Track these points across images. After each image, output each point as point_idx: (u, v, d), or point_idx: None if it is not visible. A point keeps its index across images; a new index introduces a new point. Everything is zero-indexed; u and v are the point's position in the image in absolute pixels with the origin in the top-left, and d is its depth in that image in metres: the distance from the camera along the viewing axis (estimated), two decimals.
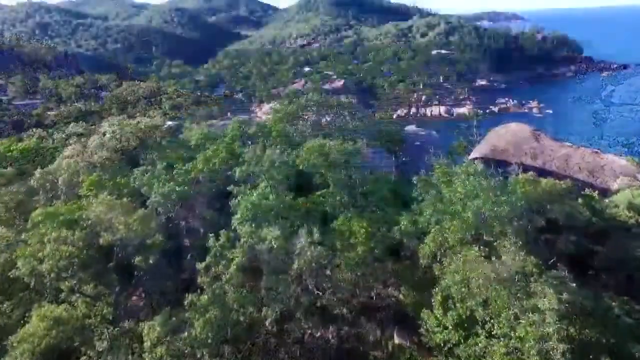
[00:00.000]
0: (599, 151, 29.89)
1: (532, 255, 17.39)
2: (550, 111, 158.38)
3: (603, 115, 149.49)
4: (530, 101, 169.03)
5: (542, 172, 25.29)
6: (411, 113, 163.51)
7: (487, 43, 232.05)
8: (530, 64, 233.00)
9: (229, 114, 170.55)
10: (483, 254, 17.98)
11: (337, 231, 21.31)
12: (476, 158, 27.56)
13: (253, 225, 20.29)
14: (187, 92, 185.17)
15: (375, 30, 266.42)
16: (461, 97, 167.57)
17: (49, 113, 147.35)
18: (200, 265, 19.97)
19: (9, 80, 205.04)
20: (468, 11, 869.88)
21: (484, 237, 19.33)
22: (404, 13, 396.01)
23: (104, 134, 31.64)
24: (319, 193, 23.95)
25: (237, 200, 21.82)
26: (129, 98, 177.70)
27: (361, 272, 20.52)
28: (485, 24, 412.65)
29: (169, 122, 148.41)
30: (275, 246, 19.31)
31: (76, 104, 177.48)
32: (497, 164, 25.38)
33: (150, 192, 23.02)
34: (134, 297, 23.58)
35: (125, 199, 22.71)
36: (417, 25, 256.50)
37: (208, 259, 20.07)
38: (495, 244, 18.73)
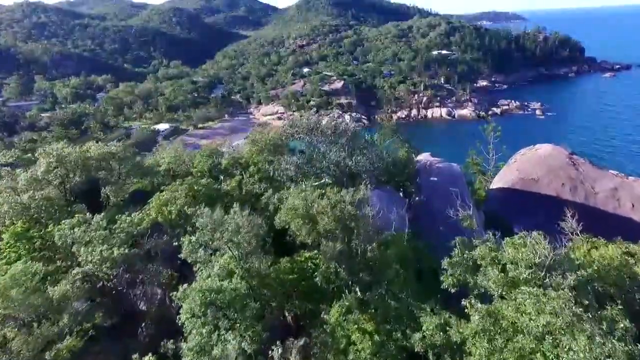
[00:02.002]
0: None
1: None
2: (553, 113, 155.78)
3: (608, 118, 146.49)
4: (533, 102, 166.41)
5: (585, 211, 19.42)
6: (412, 115, 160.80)
7: (488, 43, 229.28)
8: (531, 64, 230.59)
9: (226, 115, 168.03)
10: None
11: (330, 336, 15.44)
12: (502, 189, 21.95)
13: (205, 330, 14.09)
14: (185, 93, 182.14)
15: (375, 30, 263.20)
16: (462, 99, 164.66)
17: (42, 115, 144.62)
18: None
19: (4, 81, 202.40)
20: (468, 11, 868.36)
21: None
22: (404, 13, 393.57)
23: (41, 166, 24.21)
24: (307, 255, 18.26)
25: (182, 289, 15.07)
26: (125, 99, 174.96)
27: None
28: (485, 24, 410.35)
29: (165, 125, 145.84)
30: None
31: (72, 105, 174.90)
32: (527, 198, 20.17)
33: (82, 254, 17.11)
34: None
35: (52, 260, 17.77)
36: (417, 26, 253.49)
37: None
38: None
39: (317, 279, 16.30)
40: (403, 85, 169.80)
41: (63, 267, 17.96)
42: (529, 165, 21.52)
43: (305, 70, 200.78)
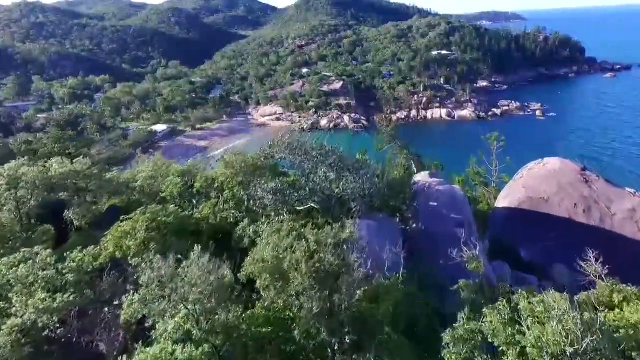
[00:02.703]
0: None
1: None
2: (554, 114, 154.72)
3: (608, 120, 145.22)
4: (533, 103, 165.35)
5: (601, 236, 17.39)
6: (412, 116, 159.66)
7: (488, 43, 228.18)
8: (531, 64, 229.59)
9: (224, 116, 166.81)
10: None
11: None
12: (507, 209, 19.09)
13: None
14: (183, 93, 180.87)
15: (375, 30, 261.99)
16: (462, 100, 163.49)
17: (39, 116, 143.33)
18: None
19: (1, 82, 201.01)
20: (468, 11, 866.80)
21: None
22: (403, 13, 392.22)
23: None
24: (282, 305, 14.61)
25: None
26: (122, 100, 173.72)
27: None
28: (485, 24, 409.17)
29: (163, 126, 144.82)
30: None
31: (69, 106, 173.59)
32: (536, 220, 17.69)
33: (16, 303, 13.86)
34: None
35: None
36: (417, 26, 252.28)
37: None
38: None
39: (296, 332, 13.51)
40: (402, 85, 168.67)
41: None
42: (538, 182, 19.09)
43: (305, 70, 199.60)
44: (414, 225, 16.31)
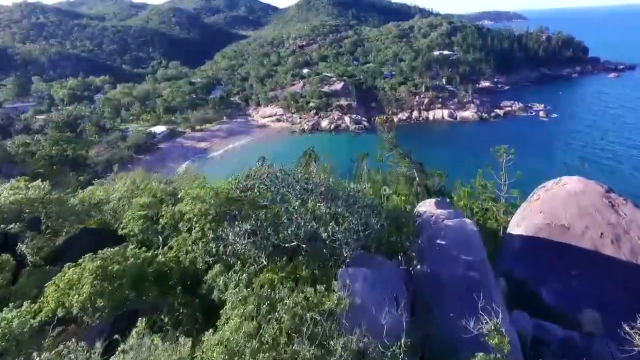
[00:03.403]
0: None
1: None
2: (557, 115, 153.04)
3: (610, 122, 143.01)
4: (536, 104, 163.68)
5: (632, 273, 14.84)
6: (413, 116, 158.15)
7: (490, 43, 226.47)
8: (534, 64, 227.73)
9: (224, 117, 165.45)
10: None
11: None
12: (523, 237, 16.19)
13: None
14: (183, 94, 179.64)
15: (376, 30, 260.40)
16: (464, 100, 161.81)
17: (37, 117, 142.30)
18: None
19: (1, 83, 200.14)
20: (469, 11, 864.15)
21: None
22: (405, 13, 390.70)
23: None
24: None
25: None
26: (122, 101, 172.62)
27: None
28: (487, 23, 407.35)
29: (162, 128, 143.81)
30: None
31: (68, 107, 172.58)
32: (557, 253, 15.00)
33: None
34: None
35: None
36: (418, 25, 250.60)
37: None
38: None
39: None
40: (404, 86, 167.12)
41: None
42: (556, 206, 15.90)
43: (305, 71, 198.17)
44: (418, 267, 13.77)
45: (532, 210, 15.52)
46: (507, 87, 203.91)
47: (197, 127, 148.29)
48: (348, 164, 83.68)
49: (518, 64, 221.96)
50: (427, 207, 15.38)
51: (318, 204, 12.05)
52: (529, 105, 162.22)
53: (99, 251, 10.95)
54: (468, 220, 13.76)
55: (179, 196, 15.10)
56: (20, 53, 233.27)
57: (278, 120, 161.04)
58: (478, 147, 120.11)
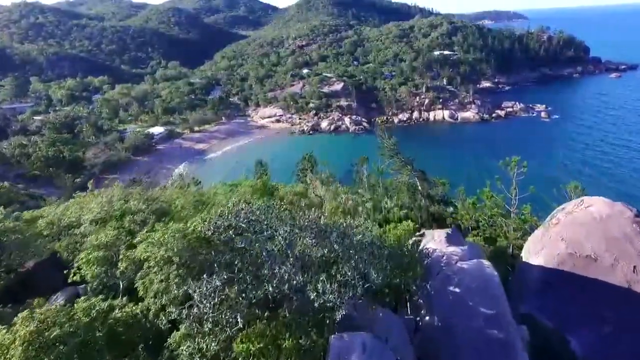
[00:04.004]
0: None
1: None
2: (559, 116, 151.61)
3: (610, 124, 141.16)
4: (537, 104, 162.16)
5: None
6: (414, 117, 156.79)
7: (491, 43, 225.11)
8: (535, 64, 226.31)
9: (223, 118, 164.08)
10: None
11: None
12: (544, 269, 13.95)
13: None
14: (182, 94, 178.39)
15: (376, 30, 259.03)
16: (465, 101, 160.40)
17: (35, 118, 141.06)
18: None
19: None
20: (469, 10, 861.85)
21: None
22: (405, 13, 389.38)
23: None
24: None
25: None
26: (120, 101, 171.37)
27: None
28: (487, 23, 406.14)
29: (160, 129, 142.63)
30: None
31: (66, 107, 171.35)
32: (584, 290, 12.83)
33: None
34: None
35: None
36: (419, 25, 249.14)
37: None
38: None
39: None
40: (404, 86, 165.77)
41: None
42: (580, 233, 13.53)
43: (305, 71, 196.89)
44: (427, 318, 11.66)
45: (552, 237, 13.39)
46: (508, 88, 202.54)
47: (196, 128, 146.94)
48: (348, 167, 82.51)
49: (519, 64, 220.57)
50: (436, 242, 13.65)
51: (306, 250, 10.18)
52: (530, 105, 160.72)
53: (36, 310, 9.00)
54: (486, 262, 11.83)
55: (135, 240, 12.44)
56: (18, 53, 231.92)
57: (277, 121, 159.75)
58: (480, 149, 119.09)
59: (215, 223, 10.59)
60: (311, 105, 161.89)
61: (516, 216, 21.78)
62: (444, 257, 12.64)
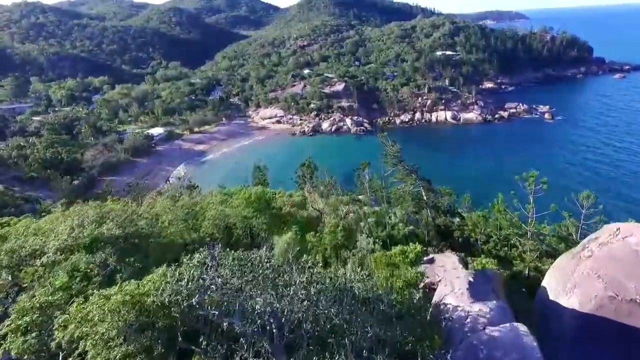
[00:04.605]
0: None
1: None
2: (562, 117, 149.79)
3: (612, 126, 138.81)
4: (541, 105, 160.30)
5: None
6: (416, 118, 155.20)
7: (493, 44, 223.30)
8: (538, 65, 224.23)
9: (224, 119, 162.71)
10: None
11: None
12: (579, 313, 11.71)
13: None
14: (182, 95, 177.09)
15: (378, 30, 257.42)
16: (468, 102, 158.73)
17: (33, 119, 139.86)
18: None
19: None
20: (471, 10, 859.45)
21: None
22: (407, 13, 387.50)
23: None
24: None
25: None
26: (120, 102, 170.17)
27: None
28: (489, 23, 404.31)
29: (160, 130, 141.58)
30: None
31: (65, 108, 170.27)
32: (628, 343, 10.51)
33: None
34: None
35: None
36: (421, 25, 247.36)
37: None
38: None
39: None
40: (406, 87, 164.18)
41: None
42: (619, 269, 11.24)
43: (306, 71, 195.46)
44: None
45: (585, 273, 11.02)
46: (510, 88, 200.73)
47: (196, 129, 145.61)
48: (349, 169, 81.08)
49: (522, 64, 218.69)
50: (457, 296, 11.36)
51: (295, 321, 8.12)
52: (534, 106, 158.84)
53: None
54: (522, 328, 9.53)
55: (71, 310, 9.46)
56: (19, 53, 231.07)
57: (278, 122, 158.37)
58: (484, 151, 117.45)
59: (174, 288, 8.74)
60: (312, 106, 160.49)
61: (533, 237, 19.99)
62: (469, 319, 10.45)
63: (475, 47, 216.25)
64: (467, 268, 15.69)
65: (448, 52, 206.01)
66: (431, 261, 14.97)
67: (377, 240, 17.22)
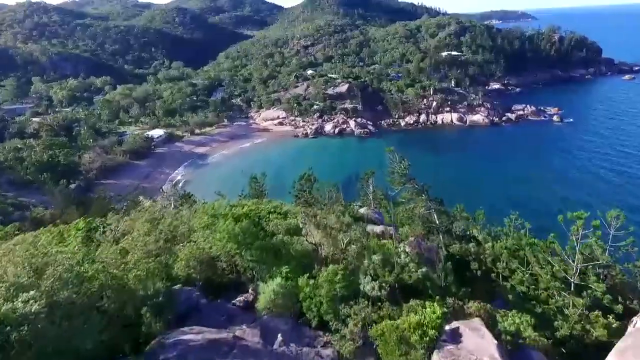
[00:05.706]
0: None
1: None
2: (571, 119, 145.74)
3: (621, 129, 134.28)
4: (549, 107, 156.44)
5: None
6: (421, 120, 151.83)
7: (500, 44, 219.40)
8: (546, 65, 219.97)
9: (225, 120, 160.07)
10: None
11: None
12: None
13: None
14: (184, 96, 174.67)
15: (383, 30, 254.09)
16: (474, 103, 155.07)
17: (32, 120, 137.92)
18: None
19: (0, 83, 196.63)
20: (476, 10, 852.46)
21: None
22: (412, 12, 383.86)
23: None
24: None
25: None
26: (121, 102, 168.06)
27: None
28: (495, 23, 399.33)
29: (160, 131, 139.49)
30: None
31: (66, 109, 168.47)
32: None
33: None
34: None
35: None
36: (426, 25, 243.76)
37: None
38: None
39: None
40: (411, 88, 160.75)
41: None
42: None
43: (309, 72, 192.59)
44: None
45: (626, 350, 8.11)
46: (518, 89, 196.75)
47: (197, 131, 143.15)
48: (352, 173, 78.16)
49: (529, 65, 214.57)
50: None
51: None
52: (542, 108, 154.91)
53: None
54: None
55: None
56: (21, 53, 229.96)
57: (280, 123, 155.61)
58: (493, 157, 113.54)
59: None
60: (315, 107, 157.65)
61: (581, 298, 16.25)
62: None
63: (482, 47, 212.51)
64: (498, 337, 12.62)
65: (454, 53, 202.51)
66: (455, 339, 11.89)
67: (384, 286, 14.37)
